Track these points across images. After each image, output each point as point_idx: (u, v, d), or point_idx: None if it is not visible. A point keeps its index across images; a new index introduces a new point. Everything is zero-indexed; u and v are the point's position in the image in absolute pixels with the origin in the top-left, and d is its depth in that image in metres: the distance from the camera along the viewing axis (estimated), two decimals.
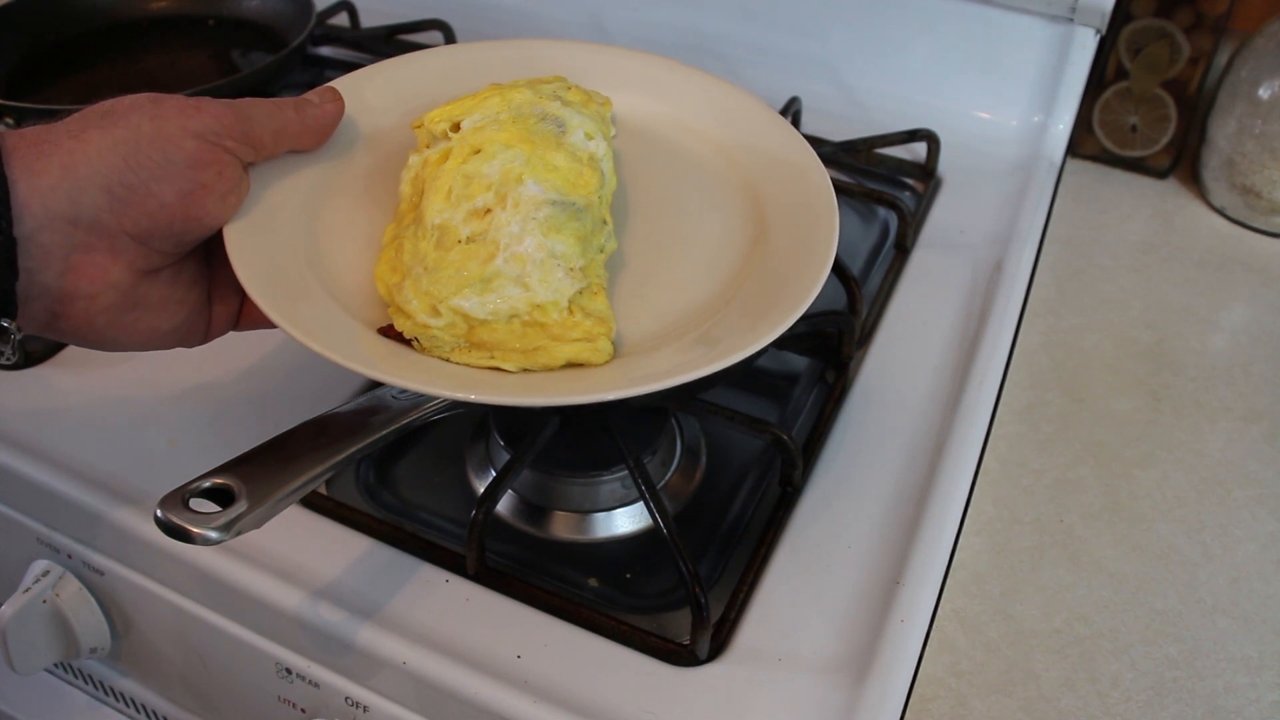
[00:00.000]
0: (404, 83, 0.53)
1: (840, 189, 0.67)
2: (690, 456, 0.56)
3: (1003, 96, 0.81)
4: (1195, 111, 0.86)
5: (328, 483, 0.54)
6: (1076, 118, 0.80)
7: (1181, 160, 0.90)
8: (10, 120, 0.70)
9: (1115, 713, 0.52)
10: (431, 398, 0.46)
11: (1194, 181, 0.88)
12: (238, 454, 0.41)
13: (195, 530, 0.38)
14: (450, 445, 0.57)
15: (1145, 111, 0.87)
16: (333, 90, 0.48)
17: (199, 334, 0.45)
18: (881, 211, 0.74)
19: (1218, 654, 0.55)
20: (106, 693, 0.62)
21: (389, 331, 0.43)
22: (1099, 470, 0.64)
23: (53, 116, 0.45)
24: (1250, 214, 0.84)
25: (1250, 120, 0.81)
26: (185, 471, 0.41)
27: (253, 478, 0.40)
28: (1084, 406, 0.68)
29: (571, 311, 0.43)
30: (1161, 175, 0.89)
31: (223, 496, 0.39)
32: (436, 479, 0.55)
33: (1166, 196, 0.88)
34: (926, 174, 0.77)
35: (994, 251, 0.69)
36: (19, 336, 0.39)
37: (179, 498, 0.39)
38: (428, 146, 0.48)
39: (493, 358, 0.42)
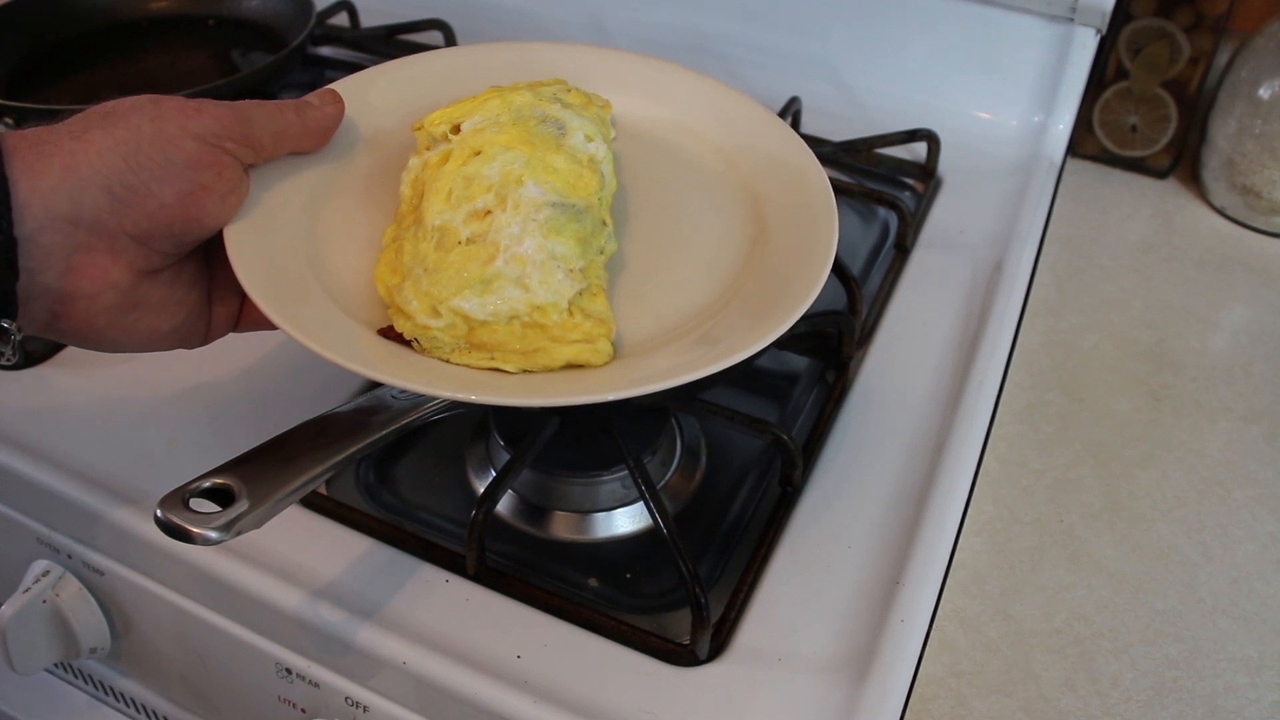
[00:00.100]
0: (405, 84, 0.53)
1: (840, 189, 0.67)
2: (690, 456, 0.56)
3: (1003, 96, 0.81)
4: (1195, 111, 0.86)
5: (328, 483, 0.54)
6: (1076, 118, 0.80)
7: (1181, 160, 0.90)
8: (10, 120, 0.70)
9: (1115, 713, 0.52)
10: (431, 398, 0.46)
11: (1194, 181, 0.88)
12: (238, 454, 0.41)
13: (195, 530, 0.38)
14: (450, 445, 0.57)
15: (1145, 111, 0.87)
16: (333, 92, 0.48)
17: (199, 335, 0.45)
18: (881, 211, 0.74)
19: (1218, 654, 0.55)
20: (106, 693, 0.62)
21: (389, 332, 0.43)
22: (1099, 470, 0.64)
23: (53, 117, 0.45)
24: (1250, 214, 0.84)
25: (1250, 120, 0.81)
26: (185, 471, 0.41)
27: (253, 478, 0.40)
28: (1084, 406, 0.68)
29: (571, 313, 0.43)
30: (1161, 175, 0.89)
31: (223, 496, 0.39)
32: (436, 479, 0.55)
33: (1166, 196, 0.88)
34: (926, 174, 0.77)
35: (994, 251, 0.69)
36: (19, 337, 0.39)
37: (179, 498, 0.39)
38: (428, 148, 0.48)
39: (493, 359, 0.42)
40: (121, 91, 0.41)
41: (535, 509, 0.53)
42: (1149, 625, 0.56)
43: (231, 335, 0.47)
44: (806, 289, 0.43)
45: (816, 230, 0.46)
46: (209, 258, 0.45)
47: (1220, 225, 0.85)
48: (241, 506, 0.39)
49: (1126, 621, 0.56)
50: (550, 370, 0.42)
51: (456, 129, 0.48)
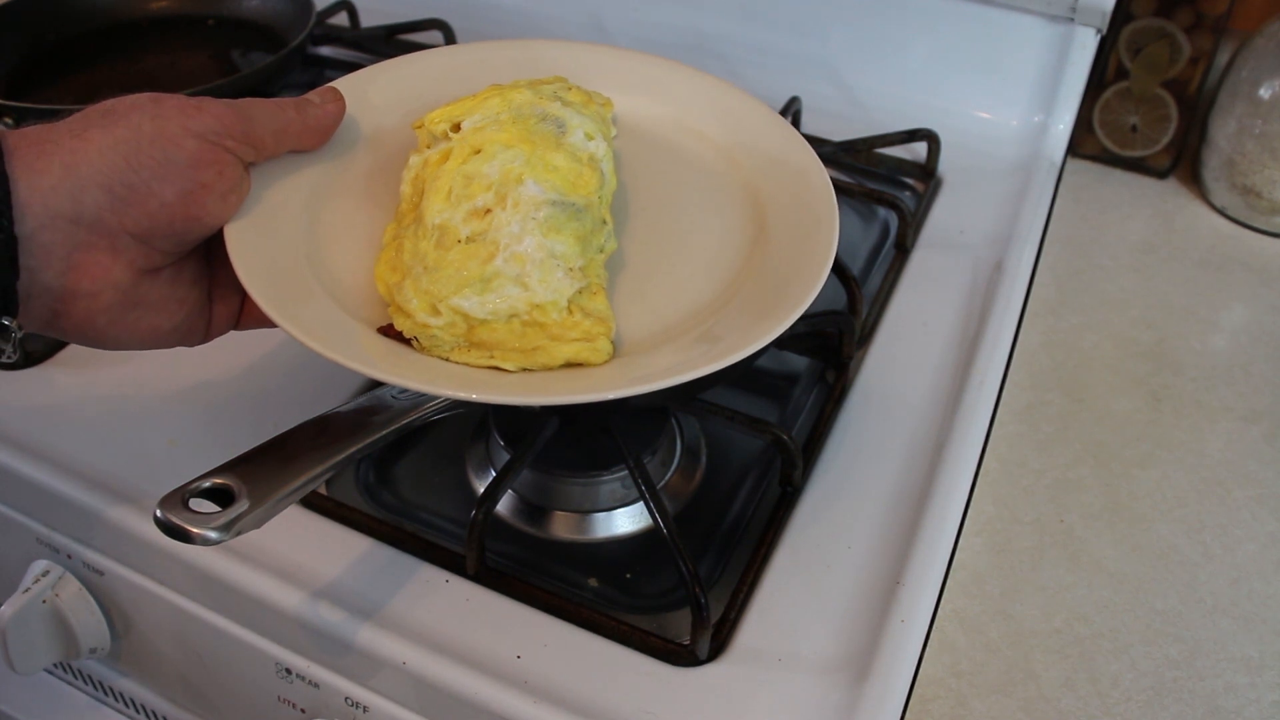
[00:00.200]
0: (405, 83, 0.53)
1: (840, 189, 0.67)
2: (690, 456, 0.56)
3: (1003, 96, 0.81)
4: (1195, 111, 0.86)
5: (328, 483, 0.54)
6: (1077, 118, 0.80)
7: (1182, 160, 0.90)
8: (10, 120, 0.70)
9: (1115, 713, 0.52)
10: (431, 397, 0.46)
11: (1194, 181, 0.88)
12: (238, 454, 0.41)
13: (195, 530, 0.38)
14: (450, 445, 0.57)
15: (1145, 111, 0.87)
16: (334, 90, 0.48)
17: (199, 333, 0.45)
18: (881, 211, 0.74)
19: (1218, 654, 0.55)
20: (106, 693, 0.62)
21: (389, 331, 0.43)
22: (1099, 470, 0.64)
23: (53, 116, 0.45)
24: (1250, 214, 0.84)
25: (1250, 120, 0.81)
26: (185, 471, 0.41)
27: (253, 478, 0.40)
28: (1084, 406, 0.68)
29: (571, 311, 0.43)
30: (1162, 175, 0.89)
31: (223, 496, 0.39)
32: (436, 479, 0.55)
33: (1166, 196, 0.88)
34: (926, 174, 0.77)
35: (994, 251, 0.69)
36: (20, 335, 0.39)
37: (179, 498, 0.39)
38: (428, 147, 0.48)
39: (492, 357, 0.42)
40: (122, 91, 0.41)
41: (535, 509, 0.53)
42: (1149, 625, 0.56)
43: (231, 334, 0.47)
44: (807, 288, 0.43)
45: (817, 230, 0.46)
46: (210, 256, 0.45)
47: (1220, 225, 0.85)
48: (241, 506, 0.39)
49: (1127, 621, 0.56)
50: (550, 369, 0.42)
51: (457, 127, 0.47)
